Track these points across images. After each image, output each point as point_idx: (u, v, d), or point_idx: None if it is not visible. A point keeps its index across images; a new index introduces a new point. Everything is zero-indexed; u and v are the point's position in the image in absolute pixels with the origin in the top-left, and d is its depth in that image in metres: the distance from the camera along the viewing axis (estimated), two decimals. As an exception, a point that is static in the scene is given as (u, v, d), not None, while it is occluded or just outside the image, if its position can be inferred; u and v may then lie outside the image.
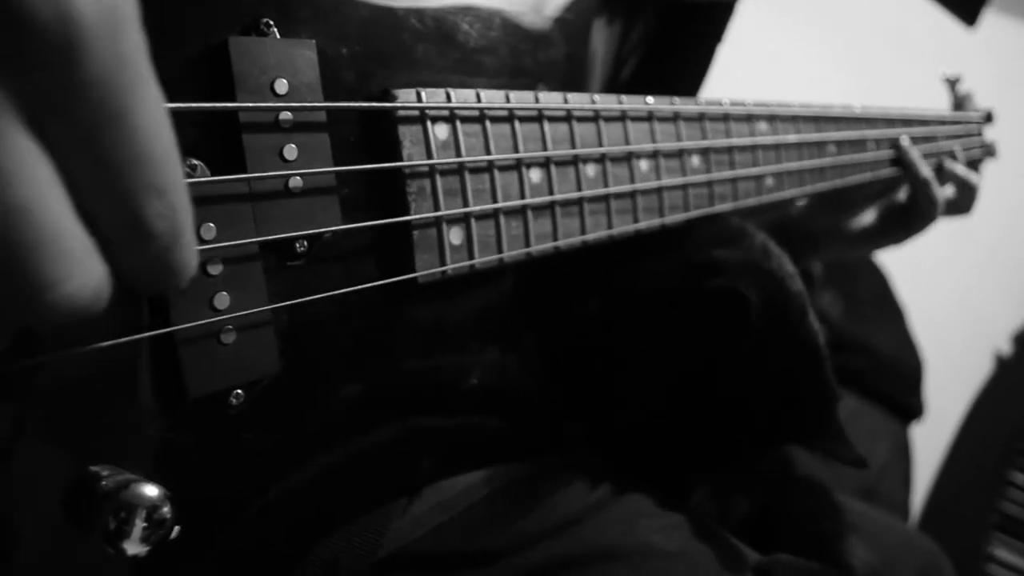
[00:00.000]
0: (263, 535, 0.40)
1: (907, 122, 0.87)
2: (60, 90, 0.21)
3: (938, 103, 1.07)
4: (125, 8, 0.21)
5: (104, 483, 0.32)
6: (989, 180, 1.09)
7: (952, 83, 1.10)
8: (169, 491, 0.32)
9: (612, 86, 0.62)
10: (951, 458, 1.76)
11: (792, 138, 0.67)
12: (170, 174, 0.23)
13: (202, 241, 0.34)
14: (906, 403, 1.11)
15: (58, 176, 0.21)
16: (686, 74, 0.67)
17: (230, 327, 0.35)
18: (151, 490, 0.31)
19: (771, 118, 0.65)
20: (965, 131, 1.01)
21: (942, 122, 0.96)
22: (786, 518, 0.58)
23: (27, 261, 0.20)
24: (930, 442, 1.73)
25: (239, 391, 0.36)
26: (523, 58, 0.50)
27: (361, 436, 0.43)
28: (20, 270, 0.20)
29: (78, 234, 0.22)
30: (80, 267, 0.22)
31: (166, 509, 0.32)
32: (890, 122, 0.83)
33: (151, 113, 0.22)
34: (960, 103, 1.07)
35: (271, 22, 0.37)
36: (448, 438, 0.48)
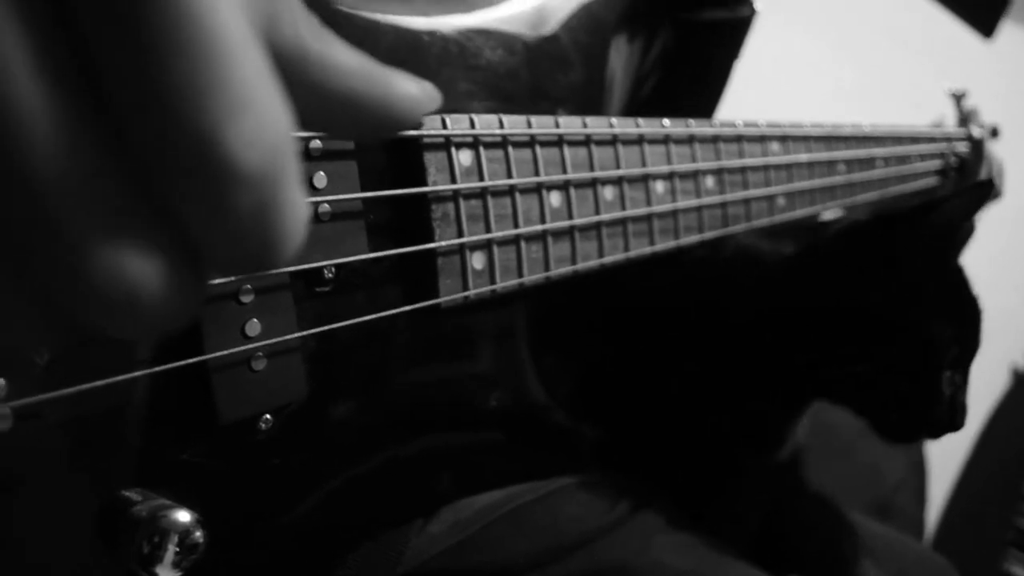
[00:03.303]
0: (284, 556, 0.41)
1: (915, 139, 0.88)
2: None
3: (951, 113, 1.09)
4: None
5: (138, 508, 0.32)
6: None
7: (958, 98, 1.11)
8: (199, 516, 0.32)
9: (631, 105, 0.62)
10: (967, 473, 1.76)
11: (803, 158, 0.67)
12: (249, 72, 0.16)
13: (235, 270, 0.34)
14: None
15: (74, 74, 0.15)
16: (704, 91, 0.68)
17: (260, 354, 0.35)
18: (184, 516, 0.32)
19: (783, 138, 0.65)
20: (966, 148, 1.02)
21: (949, 139, 0.97)
22: (799, 539, 0.59)
23: (38, 193, 0.15)
24: (945, 457, 1.73)
25: (268, 416, 0.37)
26: (543, 82, 0.50)
27: (381, 457, 0.44)
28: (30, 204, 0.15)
29: (108, 172, 0.16)
30: (120, 220, 0.16)
31: (198, 534, 0.32)
32: (898, 140, 0.84)
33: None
34: (966, 118, 1.08)
35: None
36: (467, 458, 0.49)
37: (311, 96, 0.20)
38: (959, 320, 0.57)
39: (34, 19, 0.15)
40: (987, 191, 0.57)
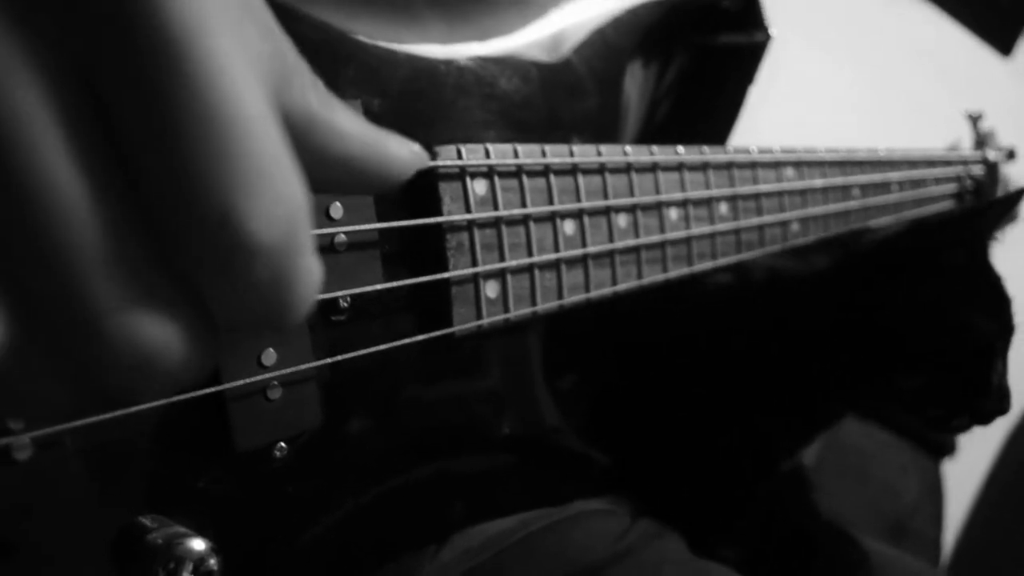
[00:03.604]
0: (298, 581, 0.41)
1: (930, 163, 0.88)
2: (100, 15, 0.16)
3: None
4: None
5: (153, 535, 0.33)
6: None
7: (974, 120, 1.11)
8: (213, 542, 0.33)
9: (646, 130, 0.63)
10: (985, 494, 1.74)
11: (819, 183, 0.67)
12: (266, 149, 0.17)
13: (253, 301, 0.35)
14: (939, 439, 1.11)
15: (101, 151, 0.16)
16: (719, 115, 0.68)
17: (276, 383, 0.36)
18: (199, 544, 0.32)
19: (797, 164, 0.65)
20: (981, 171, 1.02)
21: (965, 162, 0.97)
22: (810, 565, 0.59)
23: (65, 264, 0.16)
24: (963, 478, 1.70)
25: (282, 444, 0.37)
26: (558, 110, 0.51)
27: (394, 484, 0.44)
28: (58, 275, 0.16)
29: (132, 241, 0.17)
30: (141, 290, 0.17)
31: (212, 562, 0.33)
32: (913, 164, 0.84)
33: (229, 55, 0.16)
34: (982, 140, 1.08)
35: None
36: (479, 485, 0.49)
37: (312, 158, 0.21)
38: (998, 311, 0.61)
39: (69, 104, 0.16)
40: (1020, 197, 0.63)
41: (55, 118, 0.15)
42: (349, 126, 0.23)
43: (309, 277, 0.18)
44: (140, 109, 0.16)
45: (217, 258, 0.17)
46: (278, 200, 0.17)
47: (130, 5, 0.15)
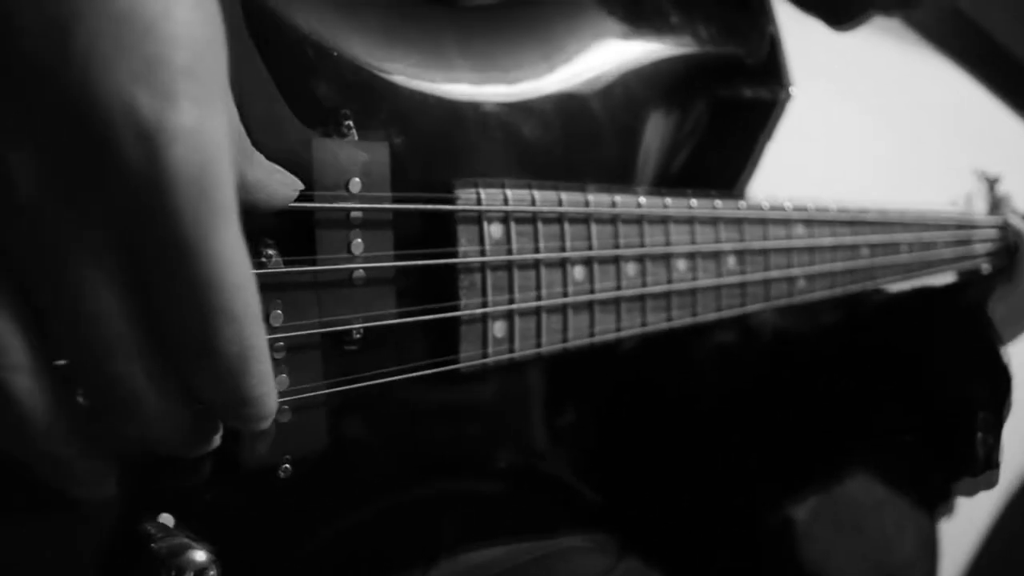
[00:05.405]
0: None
1: (942, 226, 0.89)
2: (144, 235, 0.24)
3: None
4: (217, 166, 0.25)
5: (156, 544, 0.34)
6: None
7: (991, 183, 1.11)
8: (215, 553, 0.34)
9: (662, 177, 0.64)
10: (983, 554, 1.72)
11: (827, 241, 0.69)
12: (242, 303, 0.26)
13: (271, 328, 0.36)
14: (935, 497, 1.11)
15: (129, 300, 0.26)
16: (735, 168, 0.69)
17: (286, 407, 0.38)
18: (200, 555, 0.34)
19: (808, 222, 0.67)
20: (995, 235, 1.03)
21: (973, 226, 0.98)
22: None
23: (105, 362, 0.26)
24: (959, 537, 1.69)
25: (288, 464, 0.39)
26: (576, 156, 0.52)
27: (389, 506, 0.46)
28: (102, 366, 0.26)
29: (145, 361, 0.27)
30: (152, 377, 0.27)
31: (212, 573, 0.34)
32: (925, 226, 0.85)
33: (228, 256, 0.26)
34: (997, 204, 1.09)
35: (351, 123, 0.40)
36: (470, 513, 0.50)
37: (256, 201, 0.33)
38: (991, 385, 0.63)
39: (120, 282, 0.25)
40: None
41: (112, 290, 0.25)
42: (279, 178, 0.34)
43: (258, 372, 0.28)
44: (169, 292, 0.26)
45: (204, 362, 0.27)
46: (238, 338, 0.27)
47: (178, 260, 0.25)
